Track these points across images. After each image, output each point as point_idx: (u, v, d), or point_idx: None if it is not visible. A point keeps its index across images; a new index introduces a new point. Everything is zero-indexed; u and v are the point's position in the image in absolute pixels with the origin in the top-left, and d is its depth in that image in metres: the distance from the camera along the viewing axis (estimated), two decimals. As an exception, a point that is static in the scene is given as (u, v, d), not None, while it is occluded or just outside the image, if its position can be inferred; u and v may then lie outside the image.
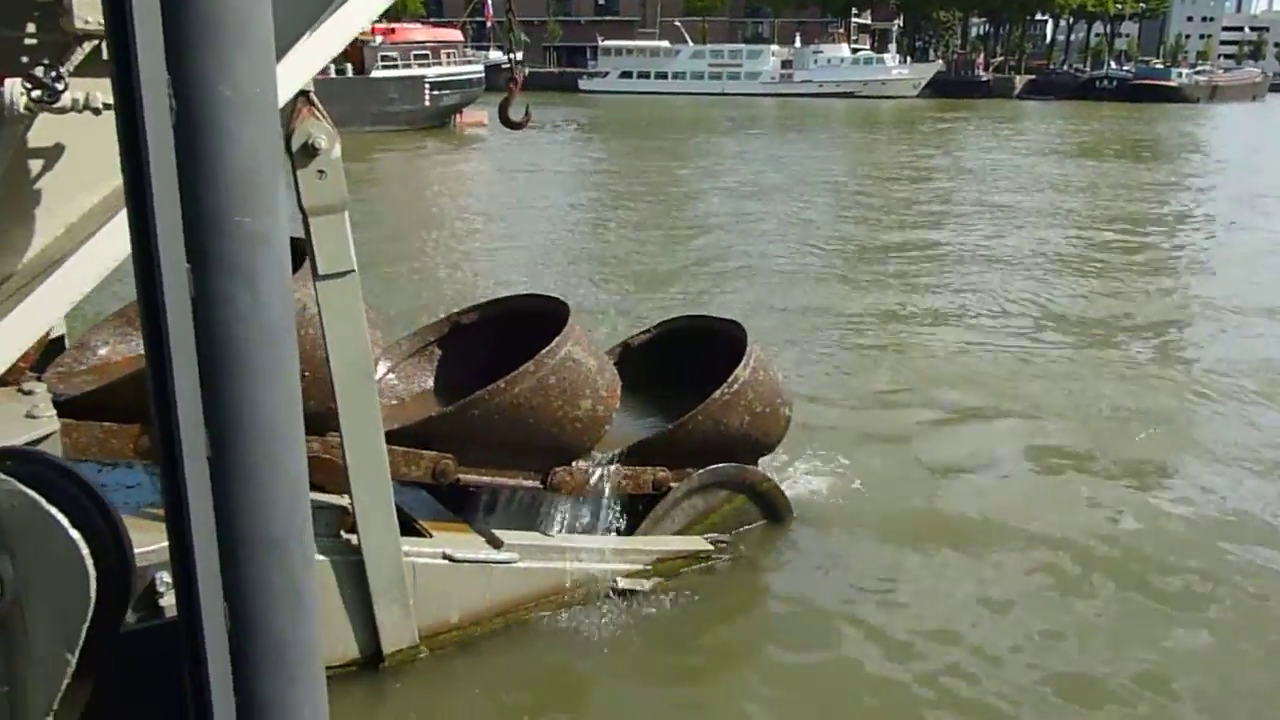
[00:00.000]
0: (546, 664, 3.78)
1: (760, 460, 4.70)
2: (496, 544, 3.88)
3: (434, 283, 9.29)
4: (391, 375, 4.25)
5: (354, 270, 3.26)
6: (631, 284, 9.08)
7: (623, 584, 4.11)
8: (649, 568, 4.20)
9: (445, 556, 3.74)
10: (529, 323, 4.33)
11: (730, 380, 4.30)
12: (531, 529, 4.19)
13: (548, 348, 3.86)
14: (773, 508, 4.66)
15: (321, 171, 3.10)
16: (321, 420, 3.65)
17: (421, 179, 15.11)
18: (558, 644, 3.89)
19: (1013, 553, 4.41)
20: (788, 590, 4.27)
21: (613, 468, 4.17)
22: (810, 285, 8.47)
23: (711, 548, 4.40)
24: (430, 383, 4.51)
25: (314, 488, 3.59)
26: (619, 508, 4.36)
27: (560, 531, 4.19)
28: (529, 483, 4.02)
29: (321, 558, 3.49)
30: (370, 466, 3.40)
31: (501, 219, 12.30)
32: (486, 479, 3.93)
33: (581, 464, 4.12)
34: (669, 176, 13.88)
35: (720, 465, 4.40)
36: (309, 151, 3.08)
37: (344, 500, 3.60)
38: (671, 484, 4.30)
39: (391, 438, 3.65)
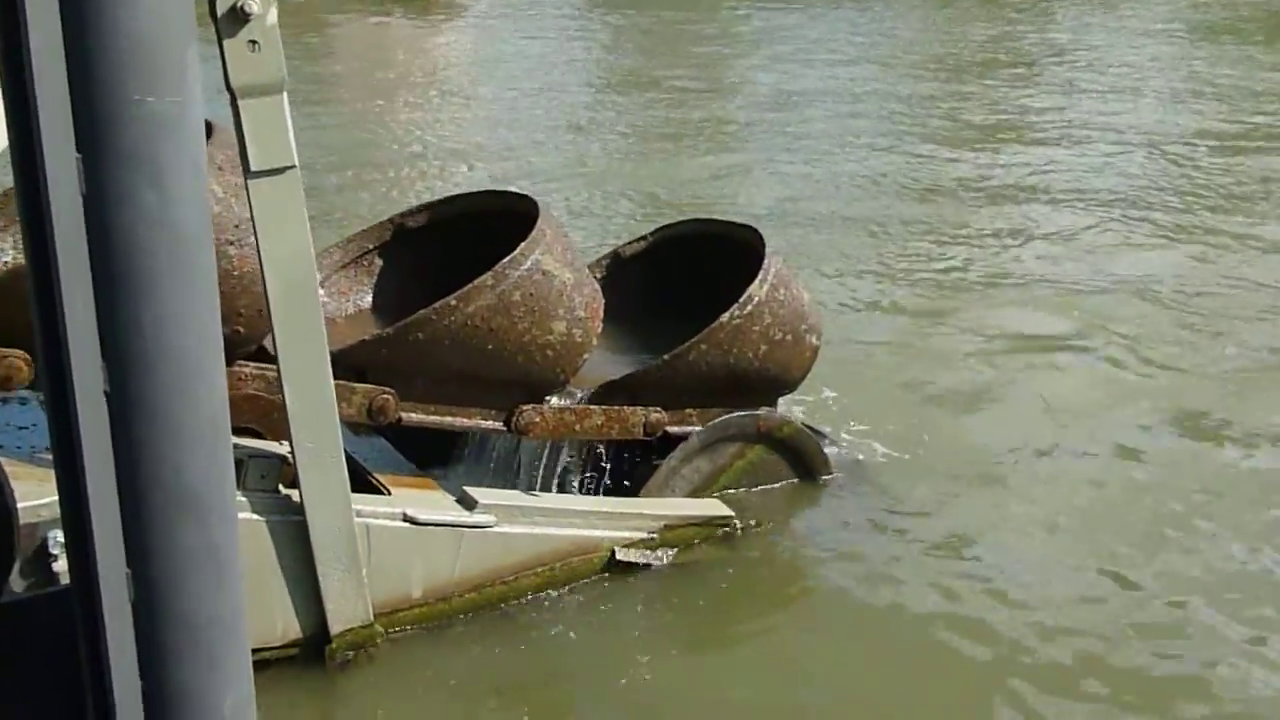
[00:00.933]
0: (527, 652, 3.82)
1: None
2: (469, 504, 3.92)
3: (397, 183, 9.23)
4: (319, 290, 4.26)
5: (294, 166, 3.26)
6: (630, 197, 9.01)
7: (621, 555, 4.16)
8: (653, 535, 4.25)
9: (406, 518, 3.77)
10: (491, 226, 4.31)
11: (743, 299, 4.27)
12: (516, 487, 4.24)
13: (510, 255, 3.85)
14: (802, 460, 4.67)
15: (253, 42, 3.07)
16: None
17: (386, 56, 14.98)
18: (541, 627, 3.92)
19: (1128, 546, 4.39)
20: (819, 569, 4.31)
21: (594, 408, 4.18)
22: (865, 228, 8.34)
23: (730, 512, 4.44)
24: (367, 300, 4.52)
25: (244, 431, 3.65)
26: (598, 457, 4.39)
27: (544, 490, 4.23)
28: (488, 424, 4.04)
29: (253, 516, 3.53)
30: (314, 406, 3.43)
31: (482, 109, 12.22)
32: (434, 419, 3.95)
33: (555, 401, 4.13)
34: (693, 63, 13.66)
35: (724, 417, 4.41)
36: (238, 16, 3.04)
37: (283, 448, 3.63)
38: (668, 428, 4.31)
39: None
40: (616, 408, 4.22)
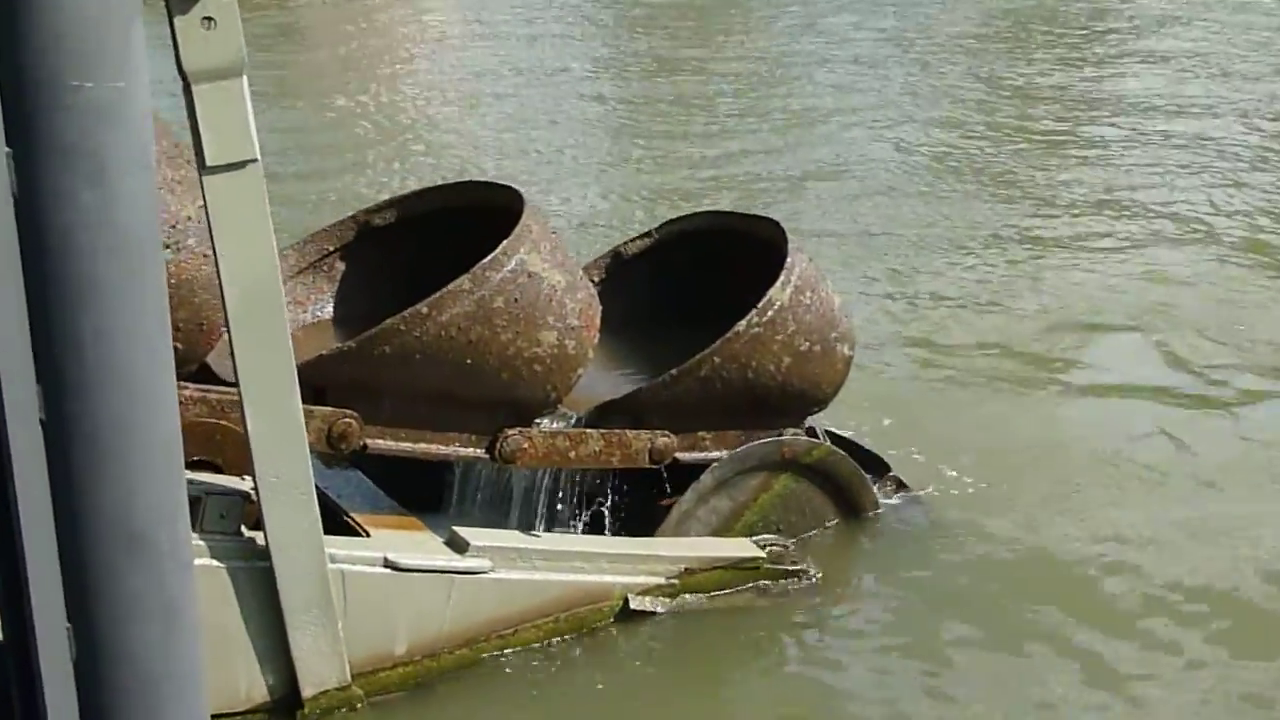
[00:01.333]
0: (525, 713, 3.82)
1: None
2: (460, 546, 3.92)
3: (364, 175, 9.29)
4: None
5: (256, 159, 3.27)
6: (638, 193, 9.01)
7: (636, 604, 4.16)
8: (672, 581, 4.24)
9: (388, 563, 3.77)
10: (470, 223, 4.30)
11: (762, 304, 4.23)
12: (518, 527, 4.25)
13: (491, 255, 3.83)
14: (841, 491, 4.65)
15: (209, 19, 3.08)
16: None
17: (359, 35, 15.02)
18: (541, 684, 3.92)
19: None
20: (867, 632, 4.27)
21: (591, 431, 4.15)
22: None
23: (760, 553, 4.43)
24: (328, 309, 4.53)
25: (202, 465, 3.68)
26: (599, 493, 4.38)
27: (544, 529, 4.23)
28: (468, 451, 4.03)
29: (212, 562, 3.53)
30: (281, 434, 3.44)
31: (470, 93, 12.23)
32: (405, 445, 3.94)
33: (546, 424, 4.12)
34: (705, 39, 13.65)
35: (742, 448, 4.38)
36: (191, -9, 3.07)
37: (245, 484, 3.63)
38: (678, 454, 4.29)
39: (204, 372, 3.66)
40: (617, 432, 4.20)
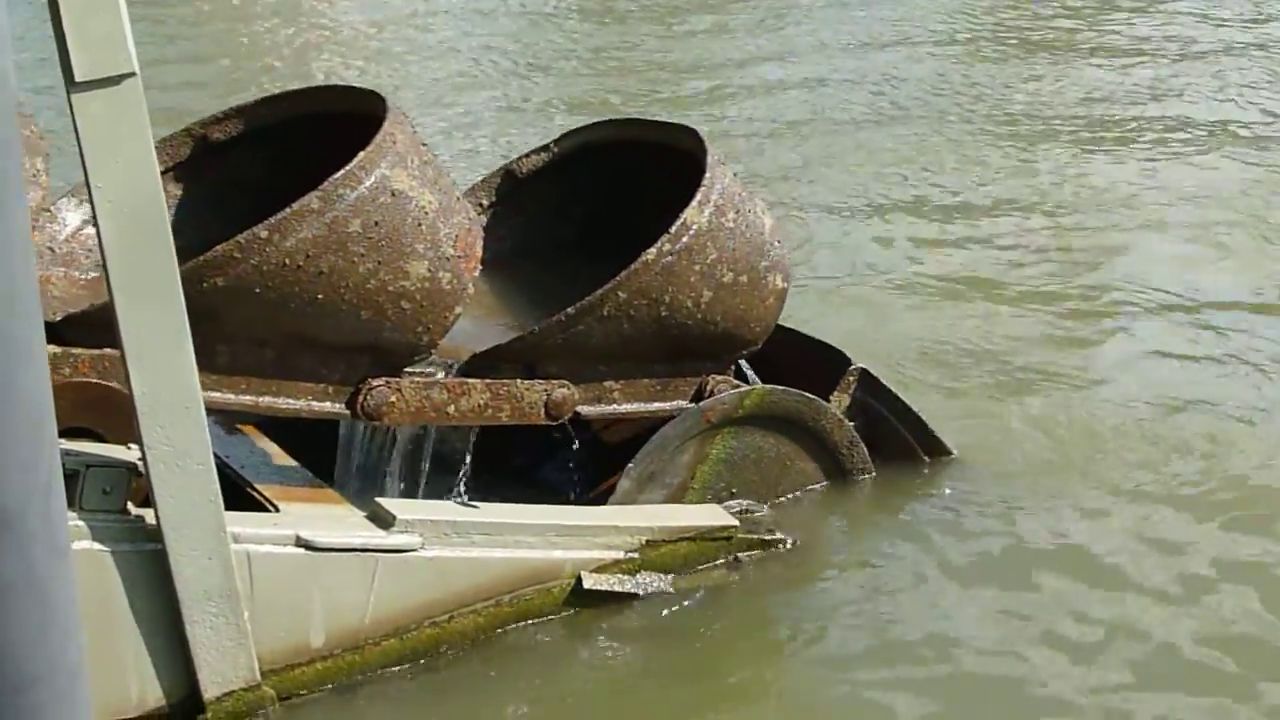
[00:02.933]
0: (463, 715, 3.83)
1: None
2: (385, 521, 3.90)
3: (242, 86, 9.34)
4: (91, 228, 4.01)
5: (135, 73, 3.22)
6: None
7: (590, 583, 4.14)
8: (633, 555, 4.23)
9: (300, 542, 3.75)
10: (331, 137, 4.11)
11: (676, 228, 4.11)
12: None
13: (345, 169, 3.71)
14: (807, 431, 4.62)
15: (72, -98, 3.05)
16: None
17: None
18: (485, 686, 3.92)
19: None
20: (855, 607, 4.28)
21: (474, 382, 4.04)
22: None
23: (732, 521, 4.42)
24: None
25: (81, 433, 3.64)
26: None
27: (461, 496, 4.17)
28: (323, 406, 3.94)
29: (94, 545, 3.49)
30: (172, 397, 3.40)
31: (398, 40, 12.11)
32: (247, 400, 3.84)
33: (418, 373, 4.02)
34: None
35: (657, 435, 4.31)
36: None
37: (132, 454, 3.59)
38: (580, 408, 4.20)
39: (76, 326, 3.60)
40: (507, 382, 4.11)
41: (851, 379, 4.75)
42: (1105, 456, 5.08)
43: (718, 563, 4.34)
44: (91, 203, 3.28)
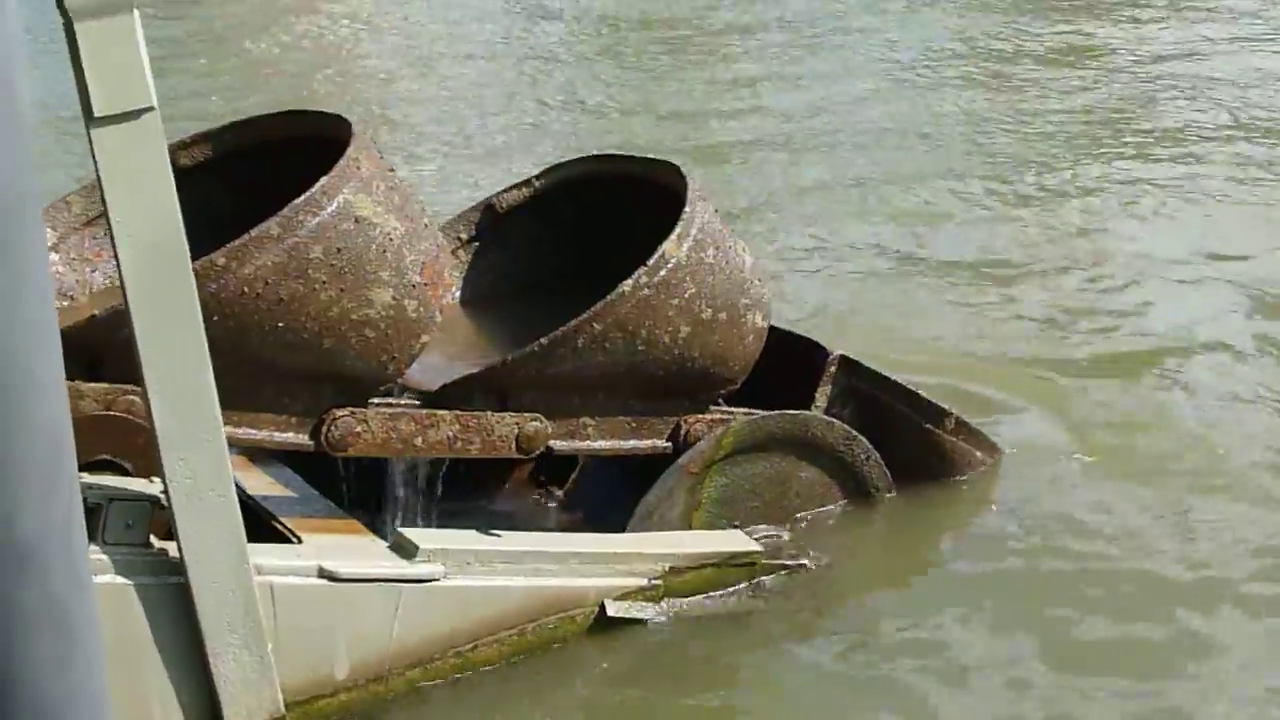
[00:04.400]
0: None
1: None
2: (408, 551, 3.89)
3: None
4: (54, 255, 4.07)
5: (154, 107, 3.24)
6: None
7: (614, 610, 4.13)
8: (656, 583, 4.22)
9: (323, 573, 3.74)
10: (297, 161, 4.05)
11: (654, 261, 4.06)
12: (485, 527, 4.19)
13: (306, 194, 3.68)
14: (830, 456, 4.59)
15: (89, -56, 3.07)
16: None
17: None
18: (509, 715, 3.91)
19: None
20: (879, 637, 4.25)
21: (443, 413, 4.00)
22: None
23: (756, 546, 4.41)
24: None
25: (103, 466, 3.68)
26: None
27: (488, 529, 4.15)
28: (286, 437, 3.91)
29: (117, 579, 3.49)
30: (195, 429, 3.40)
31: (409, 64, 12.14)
32: None
33: (384, 404, 3.98)
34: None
35: (641, 504, 4.29)
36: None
37: (154, 486, 3.59)
38: (553, 443, 4.16)
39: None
40: (476, 413, 4.05)
41: (832, 368, 4.65)
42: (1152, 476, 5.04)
43: (741, 587, 4.32)
44: (111, 236, 3.29)
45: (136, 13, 3.17)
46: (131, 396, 3.69)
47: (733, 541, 4.41)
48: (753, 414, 4.47)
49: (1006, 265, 7.01)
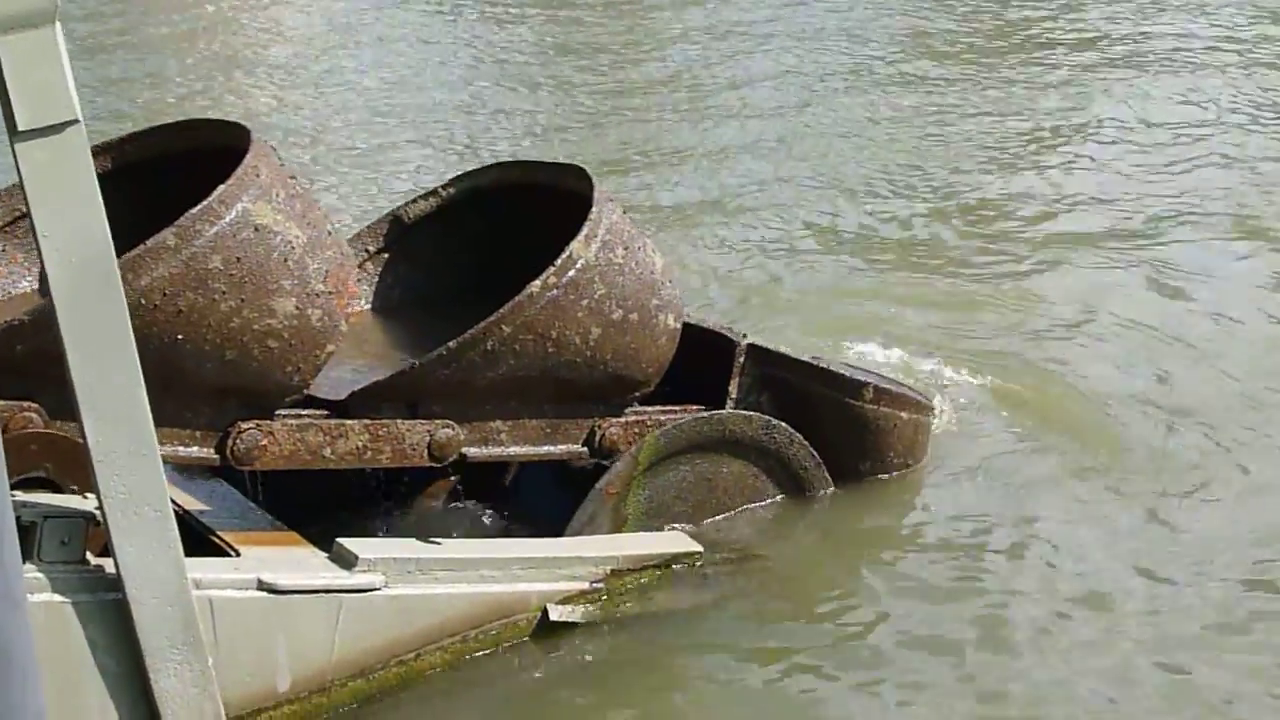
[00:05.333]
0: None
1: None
2: (347, 561, 3.89)
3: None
4: None
5: (78, 120, 3.22)
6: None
7: (556, 615, 4.15)
8: (598, 586, 4.24)
9: (262, 585, 3.73)
10: (196, 172, 4.02)
11: (562, 261, 4.06)
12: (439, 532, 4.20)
13: (202, 204, 3.65)
14: (753, 449, 4.61)
15: (9, -45, 3.02)
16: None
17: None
18: (448, 711, 3.93)
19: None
20: (825, 628, 4.31)
21: (351, 423, 3.98)
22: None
23: (696, 547, 4.44)
24: (26, 281, 4.33)
25: (37, 484, 3.68)
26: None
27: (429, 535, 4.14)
28: (190, 451, 3.88)
29: (53, 597, 3.47)
30: (127, 442, 3.38)
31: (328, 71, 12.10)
32: None
33: (291, 416, 3.96)
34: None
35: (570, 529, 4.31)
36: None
37: (89, 503, 3.57)
38: (466, 450, 4.15)
39: None
40: (386, 422, 4.04)
41: (741, 358, 4.64)
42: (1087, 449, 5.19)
43: (683, 587, 4.35)
44: (39, 251, 3.26)
45: (59, 25, 3.14)
46: (29, 414, 3.66)
47: (674, 543, 4.43)
48: (670, 414, 4.47)
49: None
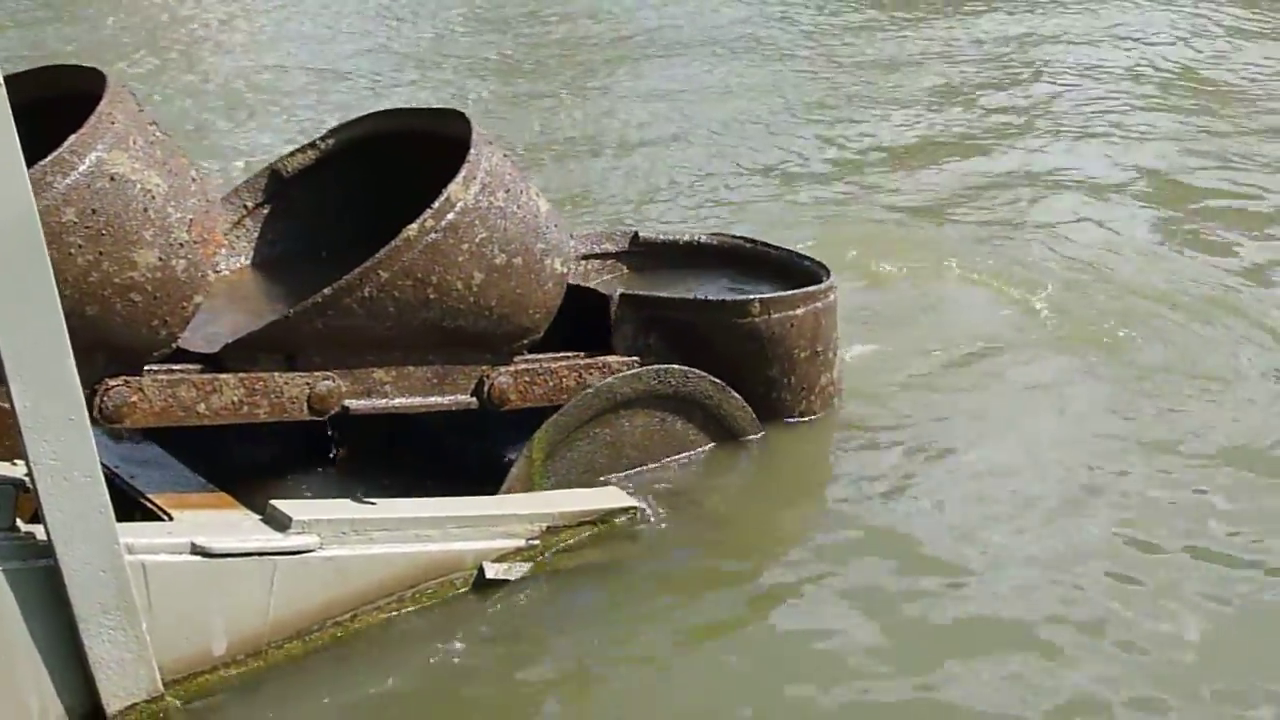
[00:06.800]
0: (372, 708, 3.84)
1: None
2: (281, 523, 3.90)
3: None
4: None
5: (-1, 84, 3.17)
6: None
7: (492, 572, 4.18)
8: (534, 543, 4.28)
9: (195, 549, 3.74)
10: (55, 121, 3.88)
11: (440, 204, 4.00)
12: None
13: (53, 155, 3.57)
14: (685, 402, 4.66)
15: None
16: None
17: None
18: (390, 677, 3.93)
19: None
20: (762, 582, 4.36)
21: (225, 376, 3.90)
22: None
23: (635, 502, 4.49)
24: None
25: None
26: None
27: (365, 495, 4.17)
28: None
29: (-17, 565, 3.46)
30: (57, 408, 3.38)
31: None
32: None
33: (162, 371, 3.89)
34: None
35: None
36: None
37: (18, 470, 3.59)
38: (347, 402, 4.10)
39: None
40: (262, 375, 3.99)
41: (614, 309, 4.63)
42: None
43: (622, 539, 4.39)
44: None
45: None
46: None
47: (609, 498, 4.47)
48: (561, 360, 4.44)
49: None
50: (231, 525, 3.90)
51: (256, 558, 3.83)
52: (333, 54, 10.62)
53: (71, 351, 3.38)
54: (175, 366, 3.93)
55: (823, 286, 4.90)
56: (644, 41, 10.96)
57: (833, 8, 11.68)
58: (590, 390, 4.46)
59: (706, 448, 4.80)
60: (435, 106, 4.82)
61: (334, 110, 9.01)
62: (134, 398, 3.84)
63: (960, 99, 9.35)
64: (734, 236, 5.37)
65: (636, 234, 5.28)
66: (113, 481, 3.68)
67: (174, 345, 3.89)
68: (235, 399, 3.97)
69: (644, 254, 5.27)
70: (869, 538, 4.47)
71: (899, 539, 4.45)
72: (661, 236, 5.35)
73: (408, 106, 5.02)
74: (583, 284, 4.81)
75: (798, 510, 4.71)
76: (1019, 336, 5.82)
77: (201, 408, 3.94)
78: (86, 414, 3.43)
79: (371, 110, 4.94)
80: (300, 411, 4.06)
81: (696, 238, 5.32)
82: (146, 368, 3.88)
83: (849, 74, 9.89)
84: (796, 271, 5.04)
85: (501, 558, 4.21)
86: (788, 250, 5.22)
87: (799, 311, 4.79)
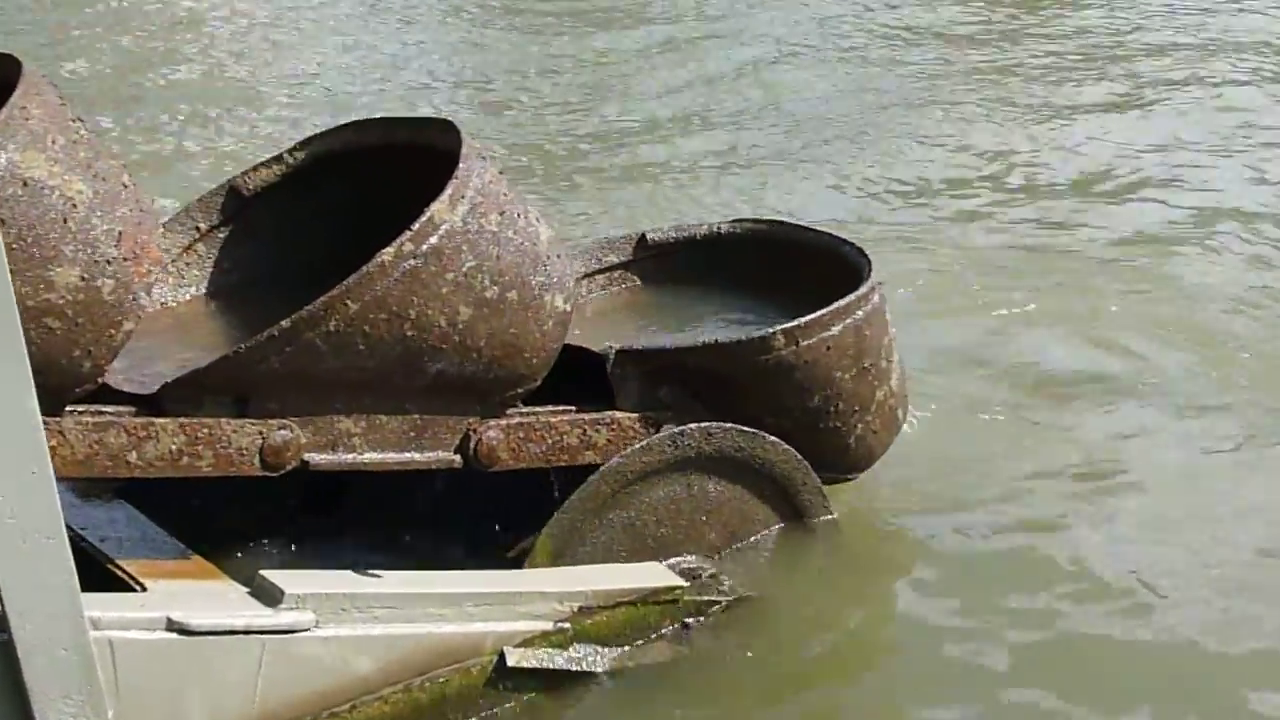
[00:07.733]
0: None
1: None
2: (272, 596, 3.73)
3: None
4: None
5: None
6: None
7: (514, 659, 3.97)
8: (564, 626, 4.07)
9: (172, 625, 3.58)
10: None
11: (421, 225, 3.72)
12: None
13: None
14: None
15: None
16: None
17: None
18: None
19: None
20: (822, 686, 4.19)
21: (164, 421, 3.65)
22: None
23: (679, 581, 4.27)
24: None
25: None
26: None
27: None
28: None
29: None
30: (16, 461, 3.19)
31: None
32: None
33: (87, 413, 3.65)
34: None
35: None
36: None
37: (-28, 529, 3.42)
38: (307, 456, 3.83)
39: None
40: (207, 421, 3.74)
41: (613, 371, 4.26)
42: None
43: (663, 631, 4.18)
44: None
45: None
46: None
47: (651, 575, 4.26)
48: (561, 415, 4.16)
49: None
50: (213, 597, 3.77)
51: (242, 636, 3.67)
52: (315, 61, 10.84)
53: (35, 391, 3.16)
54: (106, 408, 3.68)
55: (861, 293, 4.51)
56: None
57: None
58: (602, 472, 4.18)
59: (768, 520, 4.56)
60: (423, 117, 4.68)
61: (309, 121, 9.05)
62: (52, 442, 3.51)
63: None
64: (758, 221, 5.20)
65: (644, 235, 5.07)
66: (78, 545, 3.55)
67: (99, 380, 3.65)
68: (174, 448, 3.70)
69: (655, 257, 5.04)
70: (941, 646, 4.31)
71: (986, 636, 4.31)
72: (673, 234, 5.11)
73: (388, 116, 4.84)
74: (576, 336, 4.41)
75: (864, 610, 4.55)
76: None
77: (133, 456, 3.68)
78: (50, 466, 3.23)
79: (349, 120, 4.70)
80: (251, 465, 3.79)
81: (716, 228, 5.11)
82: (69, 407, 3.63)
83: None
84: (837, 258, 4.73)
85: (526, 643, 4.01)
86: (823, 233, 4.98)
87: (834, 331, 4.40)
